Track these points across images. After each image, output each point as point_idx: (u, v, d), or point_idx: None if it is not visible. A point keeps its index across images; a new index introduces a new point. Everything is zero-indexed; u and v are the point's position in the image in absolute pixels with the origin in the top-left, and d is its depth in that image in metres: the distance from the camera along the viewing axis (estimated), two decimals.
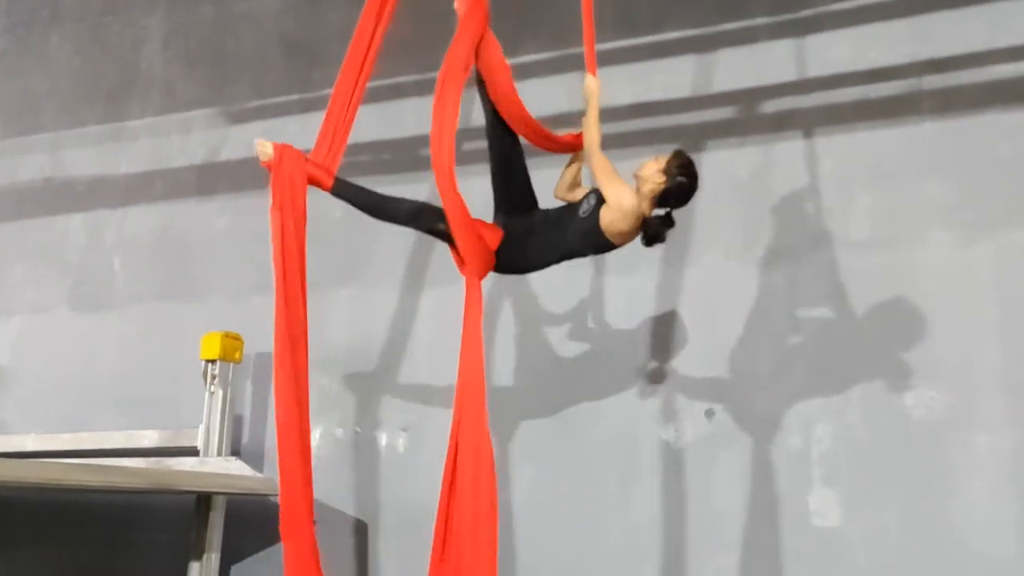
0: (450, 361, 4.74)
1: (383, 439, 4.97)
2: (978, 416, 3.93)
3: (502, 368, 4.75)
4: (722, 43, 4.69)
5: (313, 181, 3.42)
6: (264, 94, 5.80)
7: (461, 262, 3.39)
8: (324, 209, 5.29)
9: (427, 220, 3.44)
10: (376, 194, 3.68)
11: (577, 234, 3.35)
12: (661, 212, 3.40)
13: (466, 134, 4.94)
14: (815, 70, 4.46)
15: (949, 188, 4.14)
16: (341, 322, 5.20)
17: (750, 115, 4.56)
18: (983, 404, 3.94)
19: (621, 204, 3.24)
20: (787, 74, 4.52)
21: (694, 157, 4.28)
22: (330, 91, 5.50)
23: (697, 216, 4.37)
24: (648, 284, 4.65)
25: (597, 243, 3.34)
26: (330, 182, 3.45)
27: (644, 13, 4.91)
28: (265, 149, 3.44)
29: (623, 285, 4.62)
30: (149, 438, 5.14)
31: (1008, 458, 3.86)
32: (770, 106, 4.54)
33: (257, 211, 5.56)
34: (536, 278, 4.74)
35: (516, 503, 4.56)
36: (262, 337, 5.15)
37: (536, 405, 4.70)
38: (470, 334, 3.31)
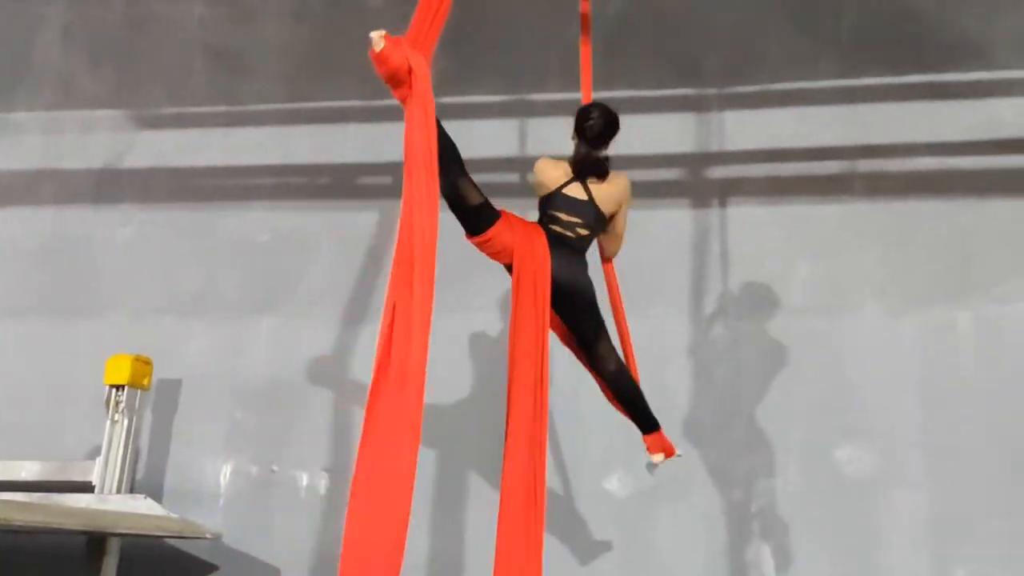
0: None
1: (303, 479, 4.71)
2: (901, 474, 4.27)
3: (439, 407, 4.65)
4: (676, 107, 4.90)
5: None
6: (182, 102, 5.44)
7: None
8: (248, 232, 5.07)
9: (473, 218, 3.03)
10: (458, 153, 3.03)
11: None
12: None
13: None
14: (762, 142, 4.75)
15: (879, 264, 4.52)
16: (261, 352, 4.93)
17: (699, 178, 4.79)
18: (906, 463, 4.28)
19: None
20: (737, 143, 4.78)
21: (647, 214, 4.44)
22: (261, 106, 5.34)
23: (645, 271, 4.50)
24: None
25: None
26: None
27: (600, 68, 5.04)
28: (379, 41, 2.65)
29: None
30: (29, 470, 4.59)
31: (925, 513, 4.22)
32: (719, 171, 4.78)
33: (167, 224, 5.22)
34: (483, 321, 4.73)
35: (446, 554, 4.45)
36: (167, 363, 4.80)
37: (474, 447, 4.63)
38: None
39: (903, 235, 4.54)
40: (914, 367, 4.38)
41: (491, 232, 3.01)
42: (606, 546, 4.39)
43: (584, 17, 3.72)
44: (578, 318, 3.15)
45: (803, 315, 4.50)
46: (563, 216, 3.13)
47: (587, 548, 4.39)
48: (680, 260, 4.68)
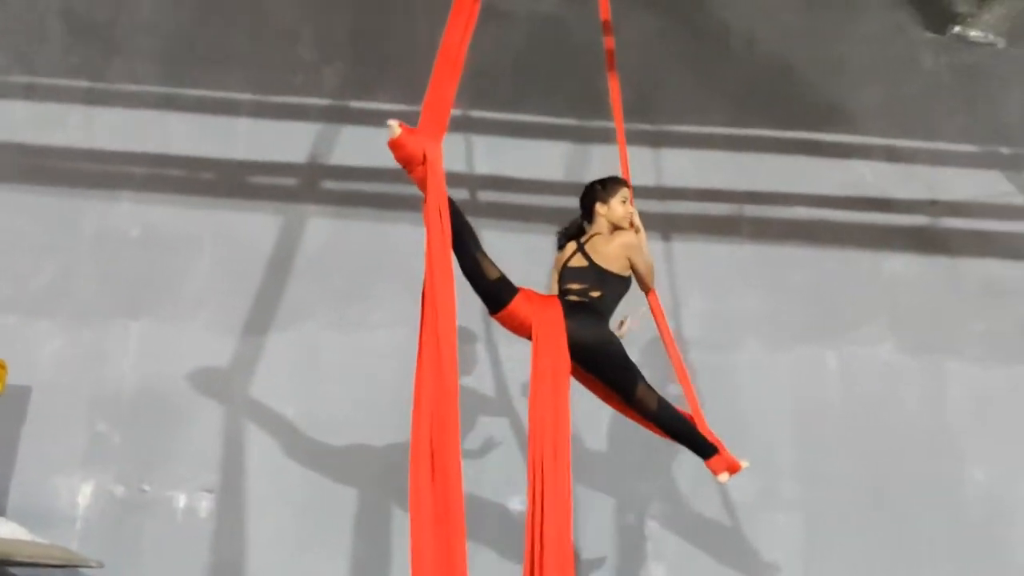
0: (274, 416, 4.37)
1: (180, 501, 4.30)
2: (778, 499, 4.62)
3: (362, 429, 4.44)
4: (581, 138, 5.02)
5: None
6: (35, 71, 4.81)
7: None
8: (115, 224, 4.59)
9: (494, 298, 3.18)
10: (474, 231, 3.18)
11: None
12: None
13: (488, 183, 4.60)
14: (660, 180, 4.98)
15: (760, 303, 4.87)
16: (129, 359, 4.46)
17: None
18: (782, 488, 4.64)
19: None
20: (636, 179, 4.95)
21: (551, 240, 4.55)
22: (131, 87, 4.85)
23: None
24: (486, 358, 4.72)
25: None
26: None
27: (508, 92, 5.07)
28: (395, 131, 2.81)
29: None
30: None
31: (799, 534, 4.59)
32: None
33: (16, 209, 4.60)
34: (386, 337, 4.57)
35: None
36: (13, 367, 4.23)
37: (377, 462, 4.46)
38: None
39: (782, 278, 4.93)
40: (788, 400, 4.76)
41: (511, 307, 3.15)
42: (509, 567, 4.37)
43: (609, 53, 3.79)
44: (606, 372, 3.31)
45: (695, 347, 4.74)
46: (574, 286, 3.32)
47: (490, 568, 4.35)
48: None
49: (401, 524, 4.30)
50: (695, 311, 4.82)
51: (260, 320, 4.53)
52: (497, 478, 4.47)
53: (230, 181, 4.70)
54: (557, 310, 3.22)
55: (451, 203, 2.94)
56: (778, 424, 4.71)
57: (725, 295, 4.86)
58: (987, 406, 4.88)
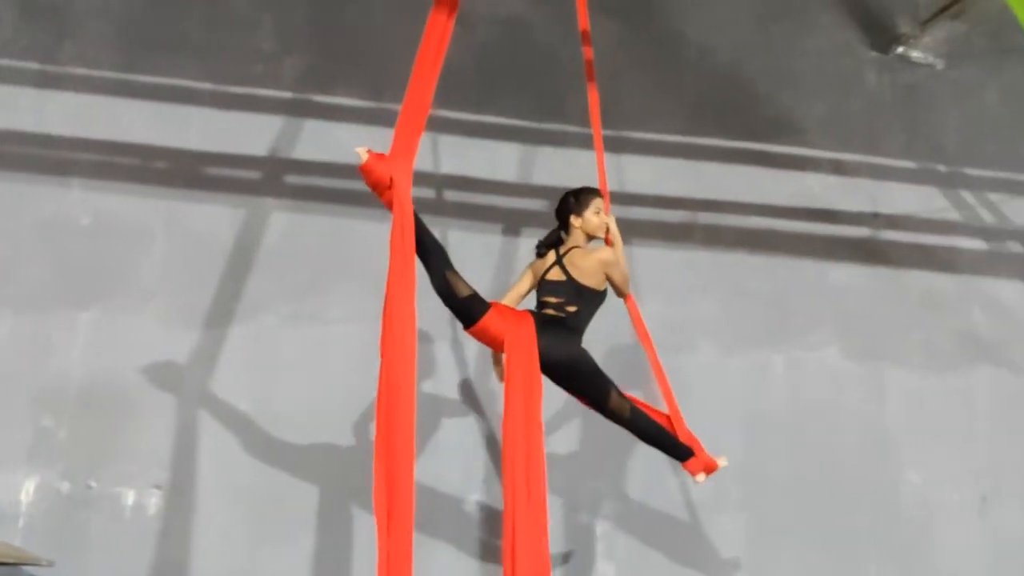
0: (227, 411, 4.30)
1: (129, 498, 4.19)
2: (725, 499, 4.73)
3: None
4: (542, 140, 5.06)
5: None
6: None
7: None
8: (64, 212, 4.47)
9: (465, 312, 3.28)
10: (444, 250, 3.30)
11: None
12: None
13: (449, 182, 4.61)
14: (618, 186, 5.04)
15: (714, 309, 4.99)
16: (77, 351, 4.33)
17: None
18: (729, 489, 4.75)
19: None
20: (595, 183, 5.03)
21: (511, 240, 4.60)
22: (83, 71, 4.71)
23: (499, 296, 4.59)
24: (446, 353, 4.72)
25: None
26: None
27: (471, 92, 5.08)
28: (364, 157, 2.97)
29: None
30: None
31: (744, 533, 4.72)
32: None
33: None
34: (341, 333, 4.53)
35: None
36: None
37: (331, 459, 4.42)
38: None
39: (734, 284, 5.05)
40: (738, 403, 4.88)
41: (483, 323, 3.25)
42: (465, 563, 4.39)
43: (588, 63, 3.84)
44: (578, 386, 3.45)
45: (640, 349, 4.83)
46: (551, 299, 3.43)
47: (449, 566, 4.36)
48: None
49: (357, 522, 4.29)
50: (651, 314, 4.84)
51: (215, 313, 4.45)
52: (457, 476, 4.48)
53: (186, 172, 4.60)
54: (529, 326, 3.32)
55: (420, 223, 3.10)
56: (728, 426, 4.82)
57: (680, 300, 4.96)
58: (923, 412, 5.10)
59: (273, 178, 4.69)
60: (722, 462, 3.66)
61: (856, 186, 5.36)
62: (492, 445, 4.57)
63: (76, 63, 4.66)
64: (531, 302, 3.64)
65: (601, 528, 4.58)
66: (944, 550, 4.86)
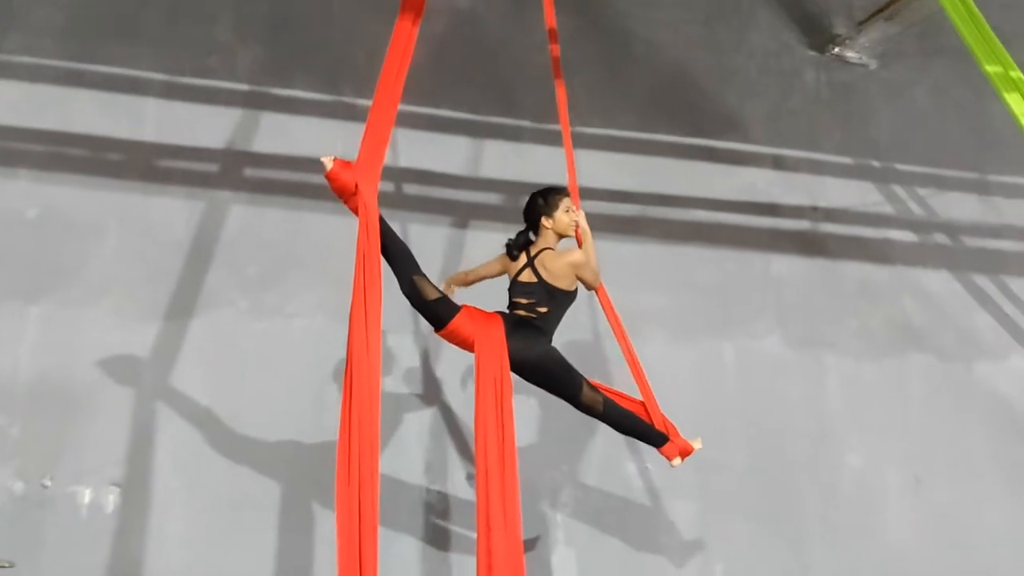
0: (185, 406, 4.27)
1: (86, 496, 4.12)
2: (677, 485, 4.88)
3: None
4: (495, 134, 5.12)
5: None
6: None
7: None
8: (10, 204, 4.37)
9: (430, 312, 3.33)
10: (411, 253, 3.32)
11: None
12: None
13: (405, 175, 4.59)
14: (578, 180, 5.13)
15: (664, 300, 5.14)
16: (26, 347, 4.24)
17: (516, 205, 5.03)
18: (681, 475, 4.89)
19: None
20: (549, 177, 5.11)
21: (460, 232, 4.66)
22: (31, 60, 4.60)
23: (468, 290, 4.66)
24: (408, 346, 4.76)
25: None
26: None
27: (425, 85, 5.10)
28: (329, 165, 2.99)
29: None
30: None
31: (694, 519, 4.88)
32: None
33: None
34: (303, 326, 4.52)
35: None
36: None
37: (293, 452, 4.41)
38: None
39: (685, 276, 5.21)
40: (688, 392, 5.03)
41: (452, 325, 3.30)
42: (423, 553, 4.44)
43: (555, 61, 3.87)
44: (549, 385, 3.53)
45: (606, 339, 4.94)
46: (522, 300, 3.47)
47: (407, 558, 4.40)
48: (501, 281, 4.87)
49: (317, 518, 4.30)
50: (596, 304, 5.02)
51: (172, 308, 4.40)
52: (418, 467, 4.52)
53: (139, 164, 4.52)
54: (499, 328, 3.38)
55: (386, 227, 3.13)
56: (679, 413, 4.93)
57: (632, 291, 5.07)
58: (860, 397, 5.34)
59: (230, 171, 4.65)
60: (697, 445, 3.78)
61: (796, 181, 5.58)
62: (454, 436, 4.62)
63: (23, 52, 4.53)
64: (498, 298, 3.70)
65: (561, 515, 4.68)
66: (882, 528, 5.11)
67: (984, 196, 5.94)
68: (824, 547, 5.01)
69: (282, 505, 4.35)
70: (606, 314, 3.81)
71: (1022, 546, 5.35)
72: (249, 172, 4.64)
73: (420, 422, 4.63)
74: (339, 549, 2.93)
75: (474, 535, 3.40)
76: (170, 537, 4.15)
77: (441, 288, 3.55)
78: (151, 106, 4.57)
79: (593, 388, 3.56)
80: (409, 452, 4.55)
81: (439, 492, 4.55)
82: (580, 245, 3.65)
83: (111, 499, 4.12)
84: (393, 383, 4.62)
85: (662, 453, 3.72)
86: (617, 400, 3.67)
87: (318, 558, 4.24)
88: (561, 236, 3.62)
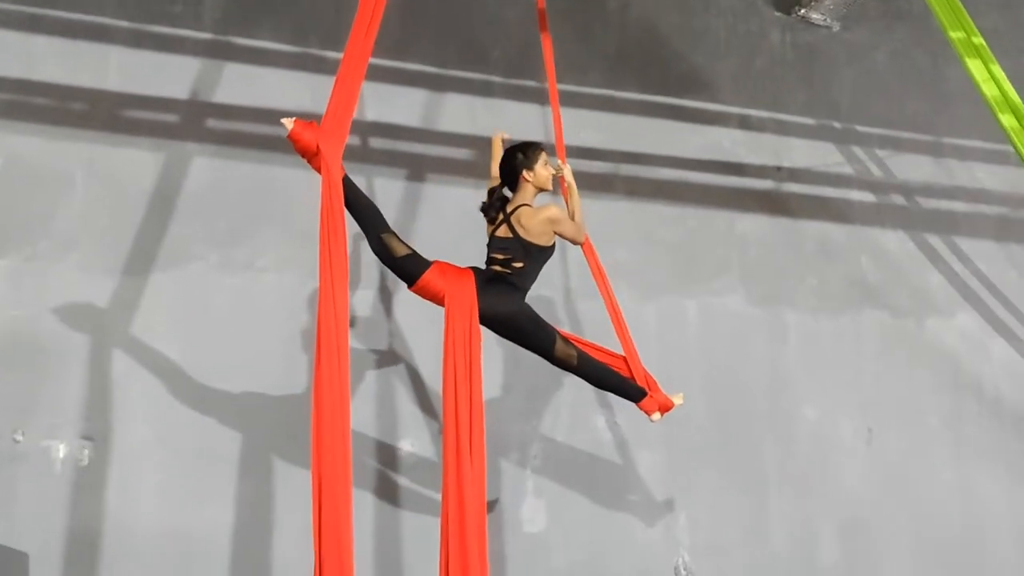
0: (157, 360, 4.27)
1: (60, 450, 4.10)
2: (643, 437, 5.01)
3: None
4: (465, 89, 5.11)
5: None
6: None
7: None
8: None
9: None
10: (379, 212, 3.34)
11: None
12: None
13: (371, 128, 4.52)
14: (541, 136, 5.15)
15: (631, 256, 5.21)
16: None
17: (485, 161, 5.04)
18: (647, 428, 5.02)
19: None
20: (519, 134, 5.11)
21: (429, 187, 4.67)
22: None
23: (438, 246, 4.61)
24: (375, 302, 4.78)
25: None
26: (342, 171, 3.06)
27: (393, 39, 5.05)
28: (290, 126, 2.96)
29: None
30: None
31: (660, 470, 5.03)
32: None
33: None
34: (274, 281, 4.52)
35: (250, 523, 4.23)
36: None
37: (266, 408, 4.43)
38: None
39: (650, 233, 5.29)
40: (654, 347, 5.13)
41: (423, 281, 3.31)
42: (393, 507, 4.51)
43: (541, 12, 3.84)
44: (521, 340, 3.54)
45: (574, 296, 5.02)
46: (498, 256, 3.48)
47: (372, 510, 4.47)
48: (469, 236, 4.90)
49: (287, 470, 4.33)
50: (573, 262, 5.09)
51: (140, 261, 4.35)
52: (388, 423, 4.57)
53: (103, 114, 4.43)
54: (469, 283, 3.38)
55: (352, 186, 3.16)
56: (646, 367, 5.08)
57: (599, 248, 5.12)
58: (817, 352, 5.51)
59: (196, 122, 4.58)
60: (677, 400, 3.86)
61: (761, 141, 5.67)
62: (419, 392, 4.67)
63: None
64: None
65: (531, 468, 4.77)
66: (837, 477, 5.31)
67: (938, 159, 6.10)
68: (781, 495, 5.20)
69: (252, 458, 4.38)
70: (591, 268, 3.83)
71: (965, 493, 5.62)
72: (216, 124, 4.58)
73: (386, 378, 4.67)
74: (315, 507, 2.87)
75: (436, 495, 3.51)
76: (145, 489, 4.16)
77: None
78: (115, 54, 4.47)
79: (567, 342, 3.59)
80: (376, 407, 4.58)
81: (408, 450, 4.60)
82: (567, 199, 3.66)
83: (86, 453, 4.10)
84: (362, 339, 4.64)
85: (641, 408, 3.80)
86: (596, 355, 3.71)
87: (288, 509, 4.28)
88: (540, 190, 3.61)
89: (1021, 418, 5.80)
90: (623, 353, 3.84)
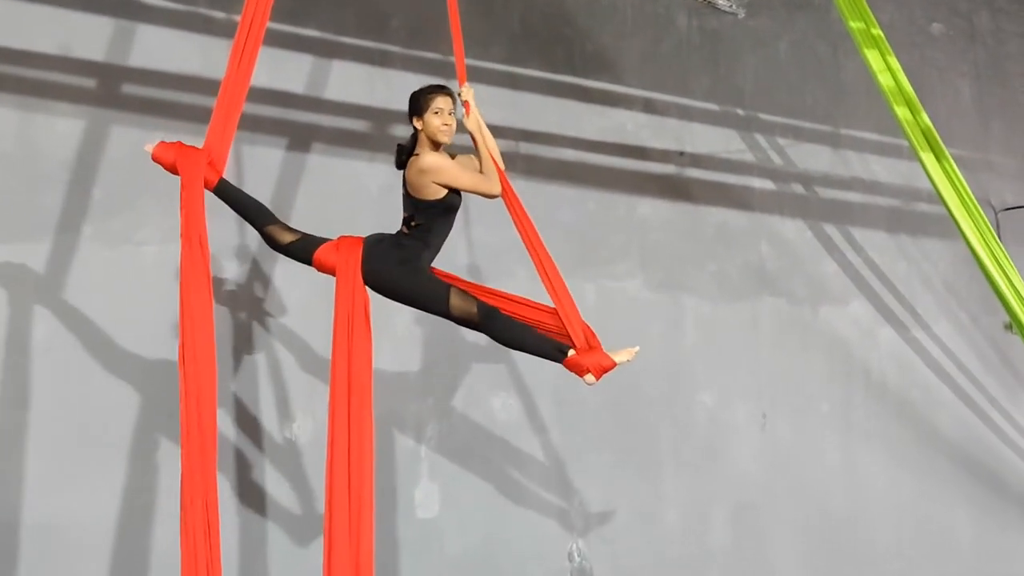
0: (27, 335, 4.01)
1: None
2: (537, 419, 4.95)
3: None
4: (363, 58, 4.92)
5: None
6: None
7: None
8: None
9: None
10: (263, 207, 3.39)
11: None
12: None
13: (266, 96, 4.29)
14: None
15: None
16: None
17: (384, 133, 4.89)
18: (541, 410, 4.98)
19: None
20: None
21: (324, 159, 4.53)
22: None
23: (330, 221, 4.45)
24: (263, 278, 4.58)
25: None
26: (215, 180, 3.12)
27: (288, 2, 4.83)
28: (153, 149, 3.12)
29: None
30: None
31: (553, 451, 4.97)
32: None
33: None
34: (153, 254, 4.28)
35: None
36: None
37: (143, 382, 4.20)
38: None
39: (549, 214, 5.18)
40: None
41: (316, 259, 3.31)
42: (283, 491, 4.34)
43: None
44: (412, 301, 3.37)
45: (470, 274, 4.90)
46: (405, 215, 3.37)
47: (263, 495, 4.30)
48: (364, 210, 4.74)
49: (167, 450, 4.12)
50: (471, 241, 4.98)
51: (7, 231, 4.04)
52: (273, 404, 4.39)
53: (23, 79, 4.09)
54: (356, 252, 3.28)
55: (230, 189, 3.25)
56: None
57: (498, 228, 5.01)
58: (714, 339, 5.53)
59: (69, 81, 4.27)
60: (620, 357, 3.33)
61: (665, 125, 5.64)
62: (308, 369, 4.50)
63: None
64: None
65: (426, 449, 4.65)
66: (731, 461, 5.35)
67: (836, 149, 6.19)
68: (676, 479, 5.21)
69: (131, 438, 4.14)
70: (513, 219, 3.52)
71: (850, 476, 5.74)
72: (91, 83, 4.28)
73: (279, 354, 4.48)
74: (182, 492, 2.96)
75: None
76: (16, 468, 3.88)
77: None
78: (36, 13, 4.12)
79: (466, 296, 3.26)
80: (268, 386, 4.39)
81: (297, 429, 4.43)
82: (476, 146, 3.39)
83: None
84: (253, 312, 4.44)
85: (569, 368, 3.29)
86: (518, 309, 3.35)
87: (166, 491, 4.06)
88: (435, 143, 3.33)
89: (904, 403, 5.95)
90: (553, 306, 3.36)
